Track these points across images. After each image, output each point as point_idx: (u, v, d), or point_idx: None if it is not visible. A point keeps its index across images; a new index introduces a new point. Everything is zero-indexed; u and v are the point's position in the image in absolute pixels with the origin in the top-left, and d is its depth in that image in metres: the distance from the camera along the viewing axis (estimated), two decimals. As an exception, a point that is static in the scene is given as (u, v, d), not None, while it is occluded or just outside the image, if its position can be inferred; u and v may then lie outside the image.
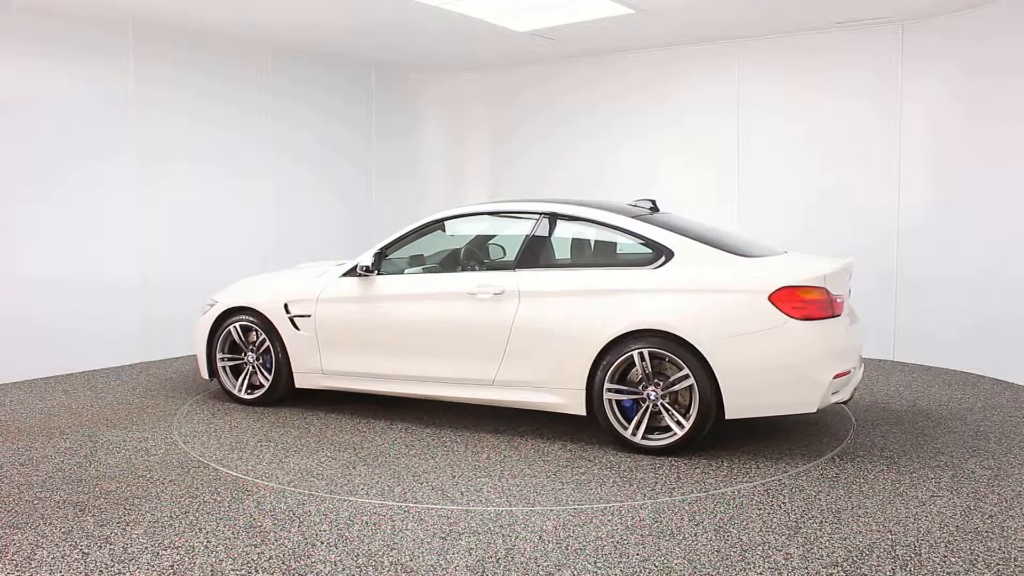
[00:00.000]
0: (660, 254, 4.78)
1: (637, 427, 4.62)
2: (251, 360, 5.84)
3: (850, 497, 3.98)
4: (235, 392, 5.88)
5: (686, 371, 4.48)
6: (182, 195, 7.65)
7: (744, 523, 3.68)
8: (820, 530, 3.59)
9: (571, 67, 8.94)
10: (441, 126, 10.01)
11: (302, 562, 3.30)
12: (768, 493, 4.05)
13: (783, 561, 3.29)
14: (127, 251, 7.29)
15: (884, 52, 7.19)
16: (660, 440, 4.60)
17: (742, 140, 7.94)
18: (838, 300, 4.58)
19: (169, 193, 7.55)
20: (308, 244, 8.64)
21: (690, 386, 4.50)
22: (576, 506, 3.89)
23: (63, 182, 6.83)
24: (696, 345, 4.46)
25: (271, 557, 3.35)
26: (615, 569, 3.23)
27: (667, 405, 4.58)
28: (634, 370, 4.65)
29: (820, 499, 3.96)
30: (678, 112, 8.31)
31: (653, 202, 5.50)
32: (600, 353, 4.68)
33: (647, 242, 4.87)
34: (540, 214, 5.21)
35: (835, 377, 4.45)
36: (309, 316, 5.60)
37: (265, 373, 5.79)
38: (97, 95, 7.04)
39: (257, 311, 5.76)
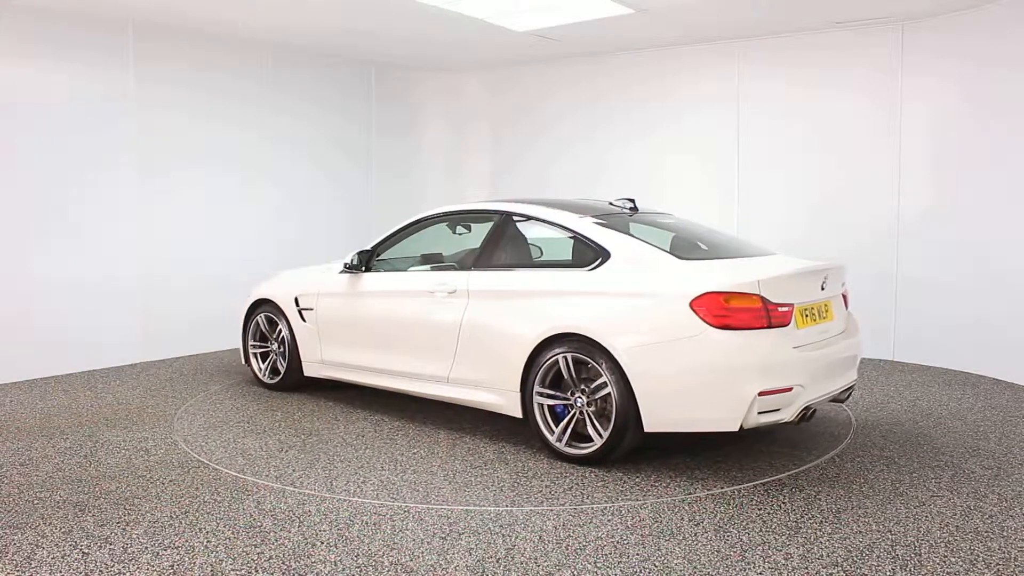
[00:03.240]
0: (597, 255, 4.61)
1: (563, 433, 4.49)
2: (274, 348, 6.31)
3: (850, 497, 3.98)
4: (260, 376, 6.40)
5: (604, 378, 4.31)
6: (182, 195, 7.65)
7: (744, 523, 3.68)
8: (820, 530, 3.59)
9: (571, 67, 8.94)
10: (441, 126, 10.01)
11: (302, 562, 3.30)
12: (768, 493, 4.05)
13: (783, 561, 3.29)
14: (127, 251, 7.29)
15: (884, 52, 7.19)
16: (582, 449, 4.44)
17: (742, 140, 7.94)
18: (780, 309, 4.15)
19: (169, 193, 7.55)
20: (310, 242, 8.65)
21: (608, 394, 4.30)
22: (463, 507, 3.89)
23: (63, 182, 6.83)
24: (612, 351, 4.26)
25: (271, 557, 3.35)
26: (615, 569, 3.23)
27: (592, 413, 4.40)
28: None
29: (820, 499, 3.96)
30: (678, 112, 8.31)
31: (632, 201, 5.34)
32: (531, 355, 4.61)
33: (587, 242, 4.71)
34: (499, 213, 5.23)
35: (761, 394, 4.00)
36: (312, 309, 5.94)
37: (283, 361, 6.23)
38: (97, 95, 7.04)
39: (276, 303, 6.21)
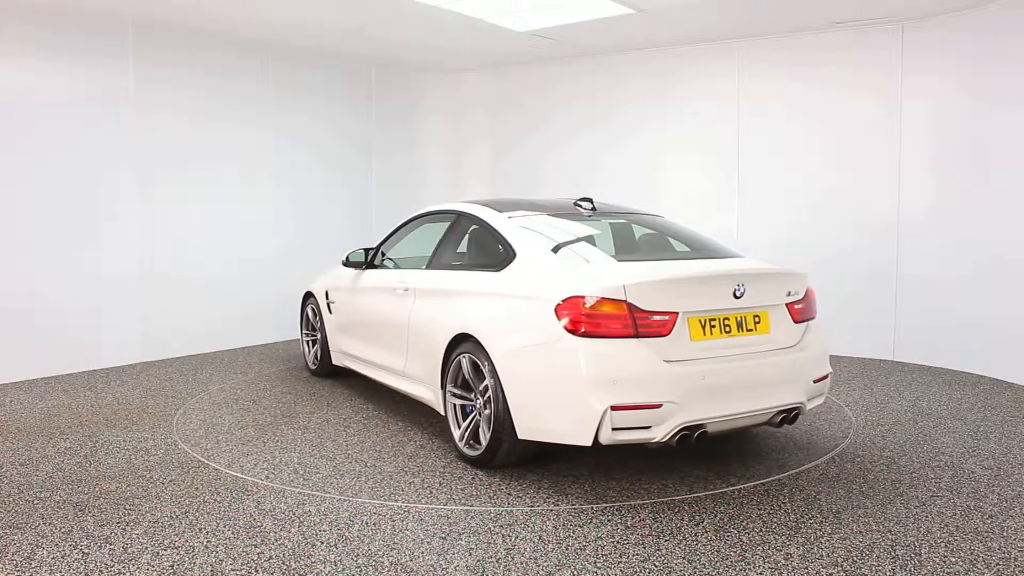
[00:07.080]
0: (507, 255, 4.53)
1: (465, 432, 4.48)
2: (318, 338, 6.79)
3: (850, 497, 3.98)
4: (307, 362, 6.98)
5: (487, 381, 4.25)
6: (182, 195, 7.65)
7: (744, 523, 3.68)
8: (820, 530, 3.59)
9: (571, 66, 8.94)
10: (441, 126, 10.00)
11: (302, 562, 3.30)
12: (768, 493, 4.05)
13: (783, 561, 3.29)
14: (127, 251, 7.28)
15: (884, 52, 7.19)
16: (476, 450, 4.38)
17: (742, 140, 7.94)
18: (654, 318, 3.86)
19: (169, 193, 7.54)
20: (311, 240, 8.66)
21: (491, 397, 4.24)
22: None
23: (63, 182, 6.82)
24: (490, 354, 4.21)
25: (271, 557, 3.35)
26: (615, 569, 3.23)
27: (487, 416, 4.31)
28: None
29: (820, 499, 3.96)
30: (678, 112, 8.31)
31: (591, 201, 5.12)
32: (445, 354, 4.64)
33: (502, 243, 4.64)
34: (454, 213, 5.33)
35: (615, 409, 3.72)
36: (335, 302, 6.39)
37: (321, 349, 6.73)
38: (97, 95, 7.03)
39: (315, 296, 6.76)
